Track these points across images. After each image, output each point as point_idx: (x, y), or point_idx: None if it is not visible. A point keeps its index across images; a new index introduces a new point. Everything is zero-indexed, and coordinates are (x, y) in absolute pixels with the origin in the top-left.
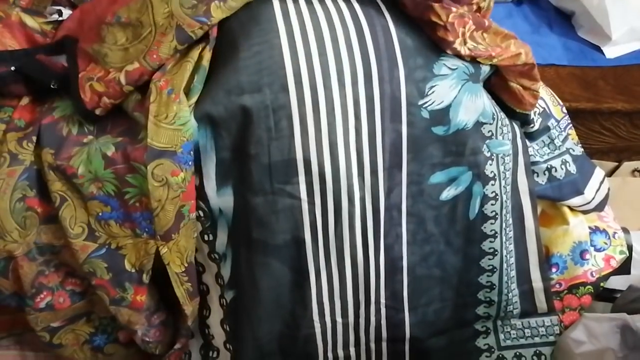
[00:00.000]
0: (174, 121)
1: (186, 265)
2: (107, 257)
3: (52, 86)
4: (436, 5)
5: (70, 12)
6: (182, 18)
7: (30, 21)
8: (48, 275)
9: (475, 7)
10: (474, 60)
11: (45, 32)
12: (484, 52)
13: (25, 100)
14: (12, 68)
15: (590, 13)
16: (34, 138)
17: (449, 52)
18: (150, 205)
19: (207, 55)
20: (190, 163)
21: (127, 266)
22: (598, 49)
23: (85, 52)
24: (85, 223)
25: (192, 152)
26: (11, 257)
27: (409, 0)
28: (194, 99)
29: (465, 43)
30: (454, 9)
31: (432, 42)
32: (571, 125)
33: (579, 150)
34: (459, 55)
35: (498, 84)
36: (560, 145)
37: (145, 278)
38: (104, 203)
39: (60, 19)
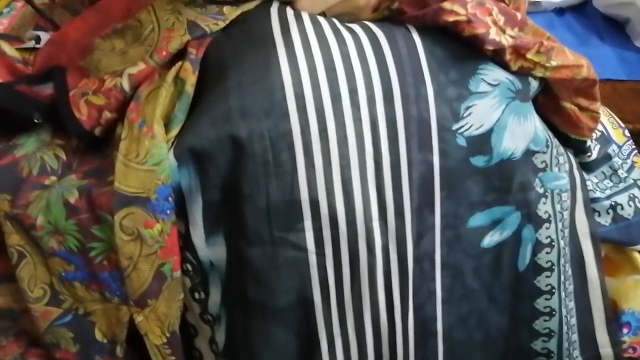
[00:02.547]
0: (145, 160)
1: (168, 335)
2: (73, 325)
3: (35, 120)
4: (445, 3)
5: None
6: (193, 15)
7: (9, 49)
8: (6, 346)
9: None
10: (520, 72)
11: (27, 60)
12: (532, 41)
13: None
14: None
15: None
16: None
17: (488, 47)
18: (120, 263)
19: (192, 79)
20: (168, 211)
21: (98, 336)
22: None
23: (75, 69)
24: (47, 284)
25: (171, 198)
26: None
27: (411, 17)
28: (174, 132)
29: (503, 32)
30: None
31: (466, 51)
32: (636, 151)
33: None
34: (501, 53)
35: (547, 104)
36: (625, 177)
37: (119, 351)
38: (66, 261)
39: (38, 46)
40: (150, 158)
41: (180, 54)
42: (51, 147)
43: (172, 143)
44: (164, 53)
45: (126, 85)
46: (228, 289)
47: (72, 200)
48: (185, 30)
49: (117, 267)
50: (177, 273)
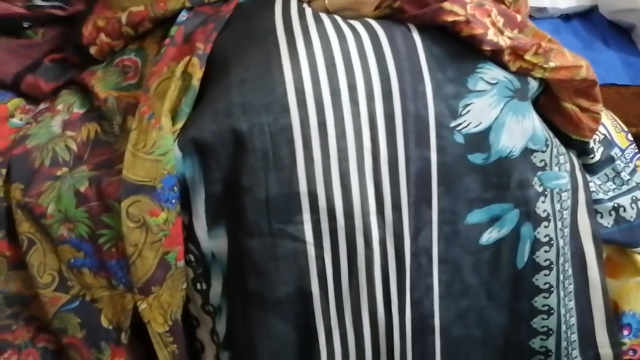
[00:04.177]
0: (152, 150)
1: (170, 323)
2: (80, 311)
3: (24, 25)
4: (445, 4)
5: None
6: None
7: None
8: (16, 330)
9: None
10: (519, 73)
11: None
12: (530, 42)
13: None
14: None
15: None
16: (4, 171)
17: (486, 48)
18: (125, 251)
19: (198, 74)
20: (173, 201)
21: (104, 322)
22: None
23: (104, 1)
24: (56, 271)
25: (176, 188)
26: None
27: (412, 16)
28: (179, 124)
29: (501, 33)
30: (467, 0)
31: (465, 51)
32: (639, 155)
33: None
34: (500, 53)
35: (549, 105)
36: (628, 180)
37: (124, 338)
38: (75, 248)
39: None
40: (157, 149)
41: (190, 46)
42: (62, 139)
43: (178, 135)
44: (162, 4)
45: (124, 19)
46: (229, 280)
47: (82, 189)
48: None
49: (124, 255)
50: (181, 263)
